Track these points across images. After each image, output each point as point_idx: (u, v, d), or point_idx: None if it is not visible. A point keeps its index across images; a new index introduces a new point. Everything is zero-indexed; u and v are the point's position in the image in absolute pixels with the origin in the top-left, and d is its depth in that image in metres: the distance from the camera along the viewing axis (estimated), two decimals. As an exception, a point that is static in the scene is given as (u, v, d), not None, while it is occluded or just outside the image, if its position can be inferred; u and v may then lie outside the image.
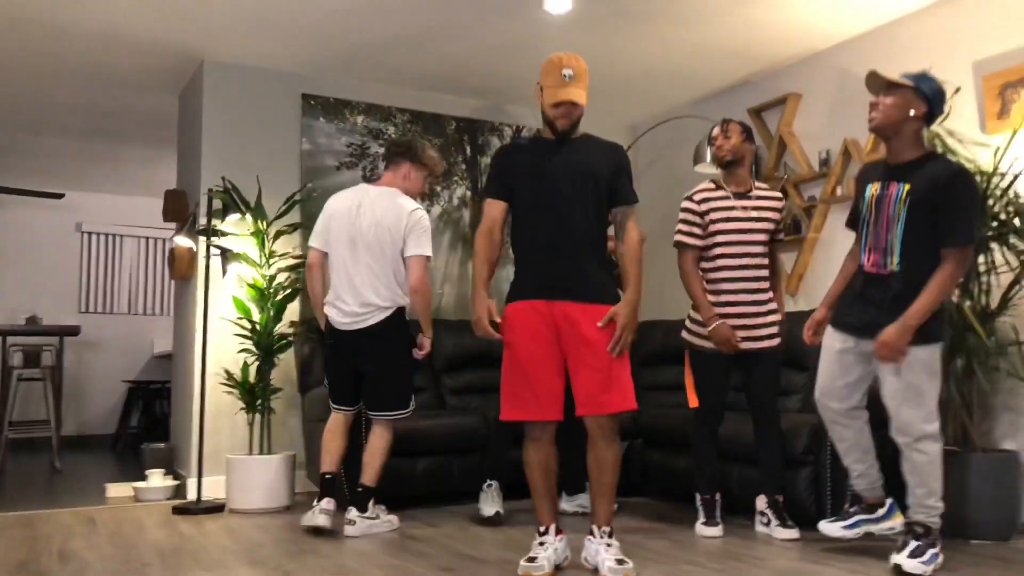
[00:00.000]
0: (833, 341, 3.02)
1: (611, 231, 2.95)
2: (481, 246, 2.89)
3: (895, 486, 3.02)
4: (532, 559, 2.74)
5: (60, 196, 7.66)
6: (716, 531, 3.47)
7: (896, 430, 2.86)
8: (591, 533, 2.83)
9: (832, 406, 3.02)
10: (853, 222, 3.14)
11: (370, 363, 3.70)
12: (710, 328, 3.46)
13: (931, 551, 2.77)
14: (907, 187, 2.83)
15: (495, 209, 2.91)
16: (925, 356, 2.80)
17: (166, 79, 5.25)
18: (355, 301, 3.68)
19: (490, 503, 3.85)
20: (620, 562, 2.70)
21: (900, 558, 2.74)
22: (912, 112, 2.87)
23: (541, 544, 2.80)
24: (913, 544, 2.78)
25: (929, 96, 2.87)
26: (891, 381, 2.83)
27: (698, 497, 3.61)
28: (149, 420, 7.72)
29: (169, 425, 7.75)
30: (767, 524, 3.51)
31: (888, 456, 3.02)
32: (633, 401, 2.79)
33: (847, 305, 3.00)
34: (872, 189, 2.94)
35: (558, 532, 2.85)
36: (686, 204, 3.63)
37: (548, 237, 2.82)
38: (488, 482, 3.92)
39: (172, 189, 5.33)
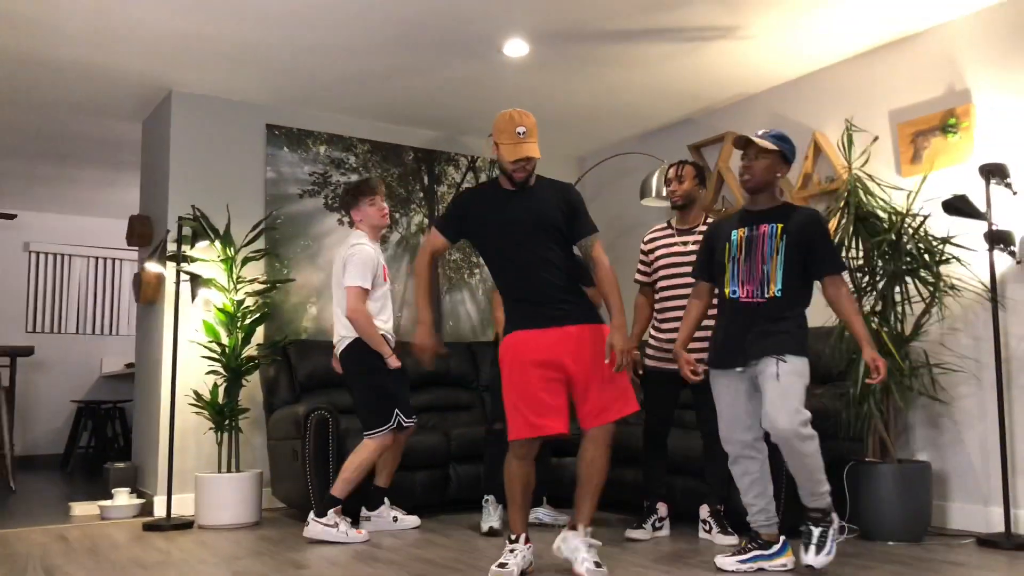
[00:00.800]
0: (725, 378, 3.30)
1: None
2: (422, 276, 3.20)
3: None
4: (503, 564, 3.01)
5: (12, 217, 7.66)
6: (639, 534, 3.79)
7: (776, 434, 3.09)
8: (573, 528, 3.08)
9: (739, 438, 3.27)
10: (701, 270, 3.47)
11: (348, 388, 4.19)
12: None
13: (830, 534, 3.08)
14: (780, 226, 3.24)
15: (439, 241, 3.24)
16: (799, 365, 3.14)
17: (130, 107, 5.40)
18: (335, 333, 4.20)
19: (487, 518, 4.12)
20: (598, 565, 2.98)
21: (809, 557, 3.06)
22: (778, 173, 3.30)
23: (512, 551, 3.06)
24: (816, 532, 3.08)
25: (788, 158, 3.30)
26: (772, 387, 3.10)
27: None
28: (101, 440, 7.73)
29: (120, 445, 7.83)
30: (709, 531, 3.85)
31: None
32: (635, 402, 3.10)
33: (722, 346, 3.31)
34: (739, 233, 3.32)
35: (527, 541, 3.13)
36: (640, 246, 4.08)
37: (525, 285, 3.12)
38: (485, 497, 4.18)
39: (137, 215, 5.47)
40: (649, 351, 3.94)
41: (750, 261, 3.26)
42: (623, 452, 4.56)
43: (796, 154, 3.35)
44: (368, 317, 4.04)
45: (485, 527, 4.08)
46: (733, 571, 3.19)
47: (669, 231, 4.01)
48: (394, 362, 4.07)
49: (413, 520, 4.31)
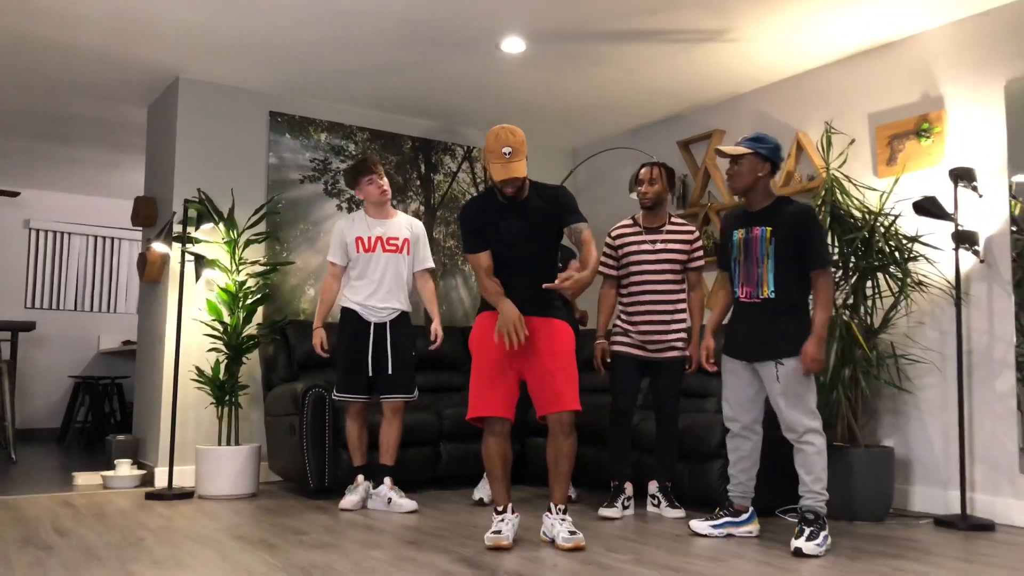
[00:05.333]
0: (732, 365, 3.58)
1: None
2: (491, 286, 3.37)
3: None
4: (497, 531, 3.26)
5: (15, 194, 7.80)
6: (612, 512, 4.00)
7: (786, 429, 3.43)
8: (548, 511, 3.35)
9: (741, 418, 3.56)
10: (724, 263, 3.69)
11: None
12: (595, 343, 4.16)
13: (823, 534, 3.33)
14: (769, 229, 3.45)
15: (485, 259, 3.40)
16: (798, 366, 3.38)
17: (136, 92, 5.57)
18: None
19: (478, 490, 4.45)
20: (572, 532, 3.23)
21: (799, 542, 3.28)
22: (760, 173, 3.48)
23: (501, 520, 3.31)
24: (808, 530, 3.32)
25: (769, 156, 3.47)
26: (778, 388, 3.40)
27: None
28: (98, 415, 7.91)
29: (117, 420, 8.01)
30: (657, 505, 4.13)
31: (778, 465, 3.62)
32: (578, 401, 3.33)
33: (735, 336, 3.57)
34: (739, 234, 3.54)
35: (513, 511, 3.36)
36: (606, 239, 4.25)
37: (509, 282, 3.37)
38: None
39: (143, 196, 5.64)
40: (617, 337, 4.15)
41: (748, 263, 3.49)
42: (589, 432, 4.83)
43: (780, 151, 3.52)
44: (325, 288, 4.39)
45: (476, 497, 4.40)
46: (706, 534, 3.55)
47: (637, 228, 4.18)
48: (314, 338, 4.34)
49: (409, 504, 4.16)
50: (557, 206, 3.40)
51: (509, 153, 3.25)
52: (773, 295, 3.42)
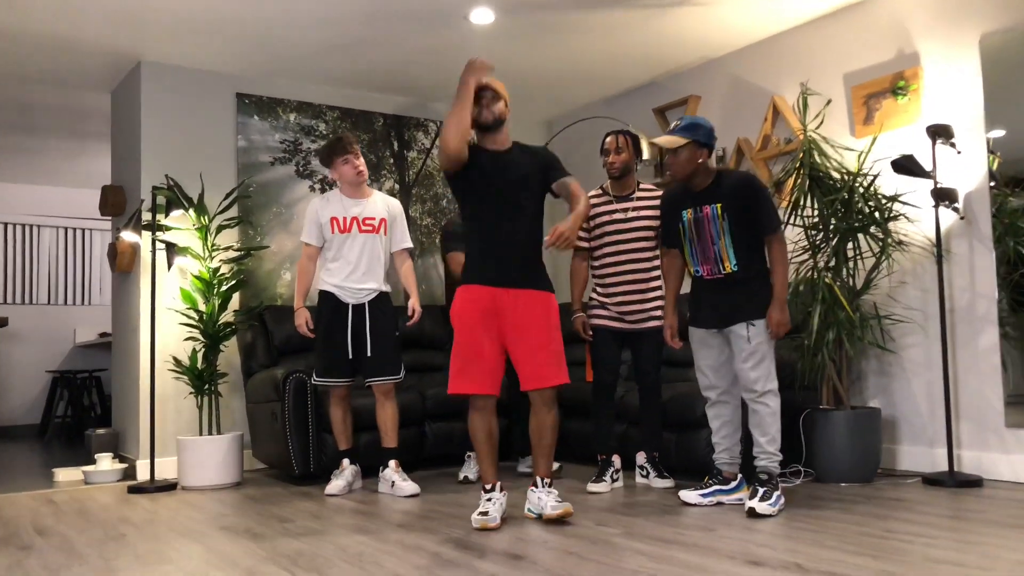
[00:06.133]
0: (701, 334, 3.57)
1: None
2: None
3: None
4: (484, 513, 3.20)
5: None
6: (600, 487, 3.97)
7: (744, 388, 3.46)
8: (534, 484, 3.31)
9: (719, 385, 3.57)
10: (670, 240, 3.65)
11: None
12: (572, 318, 4.07)
13: (775, 494, 3.34)
14: (719, 206, 3.44)
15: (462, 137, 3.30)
16: (764, 326, 3.41)
17: (98, 77, 5.42)
18: None
19: (464, 468, 4.49)
20: (560, 501, 3.22)
21: (753, 503, 3.30)
22: (699, 160, 3.46)
23: (489, 500, 3.26)
24: (761, 490, 3.34)
25: (706, 142, 3.45)
26: (743, 347, 3.41)
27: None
28: (77, 410, 7.80)
29: (97, 414, 7.91)
30: (646, 476, 4.12)
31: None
32: (566, 375, 3.29)
33: (699, 309, 3.57)
34: (688, 215, 3.53)
35: (501, 489, 3.32)
36: None
37: (494, 238, 3.29)
38: (468, 453, 4.54)
39: (110, 184, 5.51)
40: (594, 311, 4.09)
41: (702, 242, 3.49)
42: (572, 406, 4.81)
43: (714, 133, 3.48)
44: (300, 270, 4.29)
45: (461, 476, 4.41)
46: (695, 503, 3.54)
47: (607, 198, 4.12)
48: (297, 318, 4.24)
49: (410, 487, 4.05)
50: (542, 161, 3.39)
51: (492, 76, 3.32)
52: (736, 268, 3.44)
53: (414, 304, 4.32)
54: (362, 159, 4.29)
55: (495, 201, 3.30)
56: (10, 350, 8.27)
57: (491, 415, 3.28)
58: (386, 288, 4.30)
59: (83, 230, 8.79)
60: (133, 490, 4.48)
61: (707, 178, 3.50)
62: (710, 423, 3.65)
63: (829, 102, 4.60)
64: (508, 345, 3.28)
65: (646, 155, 5.48)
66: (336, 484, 4.15)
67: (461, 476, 4.42)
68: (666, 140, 3.44)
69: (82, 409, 7.85)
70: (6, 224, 8.43)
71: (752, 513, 3.26)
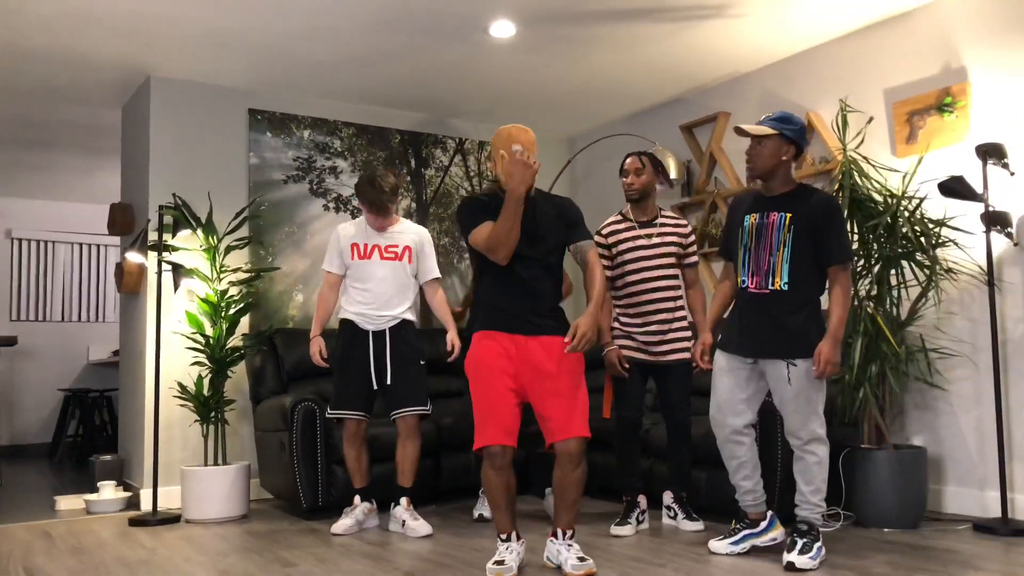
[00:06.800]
0: (730, 363, 3.26)
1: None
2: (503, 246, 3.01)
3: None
4: (500, 562, 2.96)
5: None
6: (625, 531, 3.71)
7: (789, 433, 3.16)
8: (554, 535, 3.06)
9: (730, 422, 3.26)
10: (728, 251, 3.39)
11: None
12: (604, 352, 3.80)
13: (816, 545, 3.06)
14: (788, 216, 3.14)
15: (486, 230, 3.04)
16: (810, 367, 3.09)
17: (109, 93, 5.27)
18: None
19: (479, 505, 4.22)
20: (582, 559, 2.95)
21: (792, 556, 3.02)
22: (784, 156, 3.17)
23: (507, 548, 3.02)
24: (801, 542, 3.06)
25: (795, 138, 3.17)
26: (785, 390, 3.11)
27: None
28: (88, 430, 7.65)
29: (108, 434, 7.75)
30: (673, 517, 3.85)
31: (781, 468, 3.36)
32: (587, 428, 3.02)
33: (735, 331, 3.26)
34: (751, 219, 3.23)
35: (519, 538, 3.08)
36: (596, 237, 3.91)
37: (510, 290, 3.06)
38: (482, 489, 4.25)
39: (118, 203, 5.35)
40: (618, 341, 3.83)
41: (759, 251, 3.19)
42: (596, 437, 4.56)
43: (806, 133, 3.22)
44: (321, 298, 4.11)
45: (476, 514, 4.18)
46: (727, 554, 3.25)
47: (629, 223, 3.88)
48: (311, 347, 4.04)
49: (423, 528, 3.84)
50: (564, 217, 3.15)
51: (520, 151, 3.00)
52: (786, 287, 3.11)
53: (452, 339, 4.10)
54: (389, 211, 4.03)
55: (517, 256, 3.07)
56: (23, 367, 8.14)
57: (508, 468, 3.02)
58: (410, 317, 4.08)
59: (98, 246, 8.66)
60: (134, 523, 4.28)
61: (786, 185, 3.21)
62: (725, 463, 3.33)
63: (871, 120, 4.34)
64: (529, 394, 3.04)
65: (673, 174, 5.26)
66: (344, 523, 3.91)
67: (476, 514, 4.17)
68: (752, 128, 3.17)
69: (94, 429, 7.70)
70: (21, 240, 8.32)
71: (791, 568, 2.99)
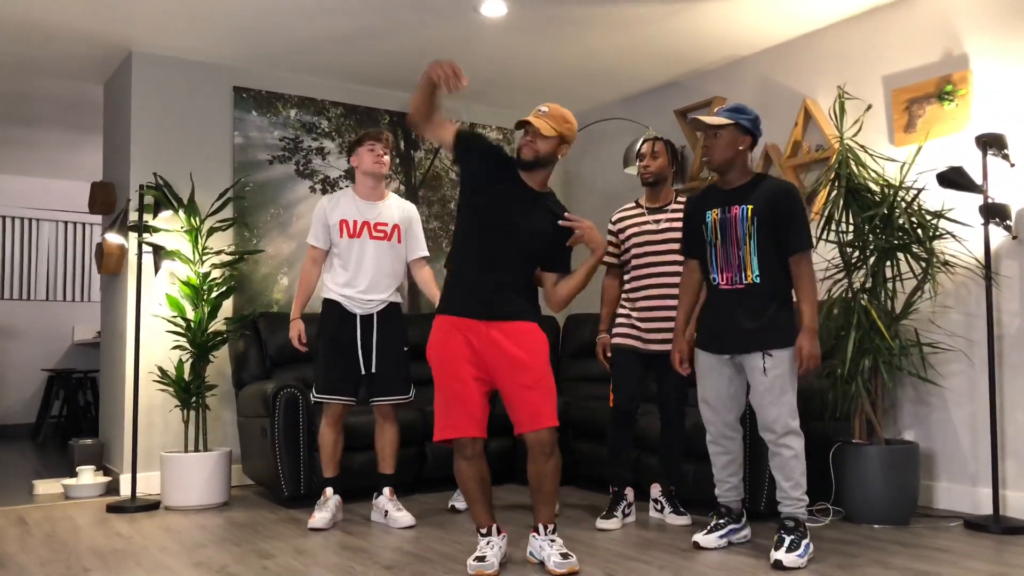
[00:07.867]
0: (711, 361, 3.20)
1: None
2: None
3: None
4: (481, 558, 2.88)
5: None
6: (611, 524, 3.64)
7: (763, 428, 3.10)
8: (535, 531, 2.98)
9: (723, 420, 3.23)
10: (690, 249, 3.31)
11: None
12: (597, 339, 3.80)
13: (804, 542, 3.00)
14: (750, 208, 3.08)
15: (449, 128, 3.14)
16: (787, 356, 3.05)
17: (90, 68, 5.14)
18: None
19: (456, 496, 4.16)
20: (565, 556, 2.88)
21: (779, 554, 2.95)
22: (740, 147, 3.13)
23: (488, 544, 2.93)
24: (788, 539, 3.00)
25: (750, 128, 3.12)
26: (760, 381, 3.05)
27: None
28: (72, 411, 7.56)
29: (92, 416, 7.66)
30: (660, 511, 3.79)
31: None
32: (556, 417, 2.93)
33: (710, 329, 3.20)
34: (713, 215, 3.17)
35: (499, 531, 3.00)
36: (608, 226, 3.90)
37: (486, 267, 2.97)
38: None
39: (99, 181, 5.23)
40: (618, 328, 3.77)
41: (726, 246, 3.14)
42: (587, 427, 4.50)
43: (760, 123, 3.18)
44: (303, 274, 3.96)
45: (449, 505, 4.14)
46: (715, 547, 3.24)
47: (639, 210, 3.83)
48: (291, 330, 3.92)
49: (405, 519, 3.78)
50: (558, 236, 3.03)
51: (544, 111, 3.01)
52: (758, 279, 3.07)
53: None
54: (388, 156, 3.97)
55: (498, 231, 2.98)
56: (6, 347, 8.03)
57: (480, 460, 2.94)
58: (397, 299, 3.98)
59: (83, 224, 8.53)
60: (112, 509, 4.20)
61: (743, 176, 3.16)
62: (712, 458, 3.33)
63: (869, 107, 4.24)
64: (497, 383, 2.95)
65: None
66: (322, 517, 3.79)
67: (449, 505, 4.09)
68: (708, 118, 3.12)
69: (78, 410, 7.60)
70: (4, 217, 8.19)
71: (779, 566, 2.93)
